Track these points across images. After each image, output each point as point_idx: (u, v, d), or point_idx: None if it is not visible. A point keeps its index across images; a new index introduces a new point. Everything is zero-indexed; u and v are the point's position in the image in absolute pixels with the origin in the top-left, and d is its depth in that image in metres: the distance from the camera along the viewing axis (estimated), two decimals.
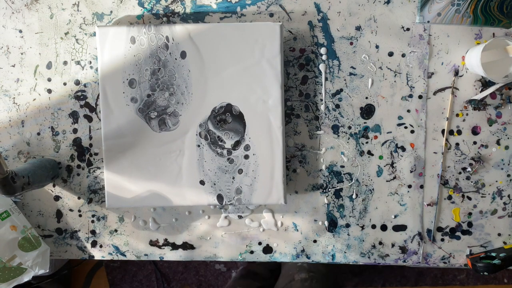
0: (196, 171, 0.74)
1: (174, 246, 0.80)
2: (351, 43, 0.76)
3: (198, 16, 0.77)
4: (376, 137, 0.77)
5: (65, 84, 0.78)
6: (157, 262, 1.56)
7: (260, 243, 0.80)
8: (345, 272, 1.56)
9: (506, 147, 0.77)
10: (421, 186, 0.77)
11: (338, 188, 0.78)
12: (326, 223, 0.79)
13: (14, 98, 0.79)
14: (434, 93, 0.76)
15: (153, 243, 0.80)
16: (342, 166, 0.78)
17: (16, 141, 0.79)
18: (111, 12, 0.77)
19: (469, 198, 0.78)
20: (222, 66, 0.72)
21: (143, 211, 0.80)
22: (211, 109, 0.73)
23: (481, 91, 0.75)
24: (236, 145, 0.74)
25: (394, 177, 0.78)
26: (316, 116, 0.77)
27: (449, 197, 0.78)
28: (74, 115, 0.79)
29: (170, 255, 0.80)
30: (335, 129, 0.77)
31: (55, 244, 0.81)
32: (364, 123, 0.77)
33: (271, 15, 0.76)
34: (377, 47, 0.76)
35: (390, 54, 0.76)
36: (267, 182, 0.74)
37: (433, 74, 0.76)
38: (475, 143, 0.77)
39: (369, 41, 0.76)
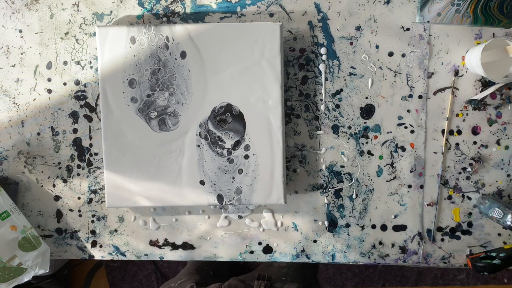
0: (196, 171, 0.74)
1: (174, 246, 0.80)
2: (351, 43, 0.76)
3: (198, 16, 0.77)
4: (376, 137, 0.77)
5: (65, 84, 0.78)
6: (157, 262, 1.56)
7: (260, 243, 0.80)
8: (345, 272, 1.56)
9: (506, 147, 0.77)
10: (421, 186, 0.77)
11: (338, 188, 0.78)
12: (326, 223, 0.79)
13: (14, 98, 0.79)
14: (434, 93, 0.76)
15: (153, 243, 0.80)
16: (342, 166, 0.78)
17: (16, 141, 0.79)
18: (111, 12, 0.77)
19: (469, 198, 0.78)
20: (222, 66, 0.72)
21: (143, 211, 0.80)
22: (211, 109, 0.73)
23: (481, 91, 0.75)
24: (236, 145, 0.74)
25: (394, 177, 0.78)
26: (316, 116, 0.77)
27: (449, 197, 0.78)
28: (74, 115, 0.79)
29: (170, 255, 0.80)
30: (335, 129, 0.77)
31: (55, 244, 0.81)
32: (364, 123, 0.77)
33: (271, 15, 0.76)
34: (377, 47, 0.76)
35: (390, 54, 0.76)
36: (267, 182, 0.74)
37: (433, 74, 0.76)
38: (475, 143, 0.77)
39: (369, 41, 0.76)
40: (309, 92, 0.77)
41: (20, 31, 0.78)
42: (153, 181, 0.74)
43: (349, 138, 0.77)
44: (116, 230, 0.80)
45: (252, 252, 0.80)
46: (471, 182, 0.78)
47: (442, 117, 0.77)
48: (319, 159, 0.78)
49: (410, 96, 0.76)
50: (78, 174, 0.80)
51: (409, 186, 0.78)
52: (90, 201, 0.80)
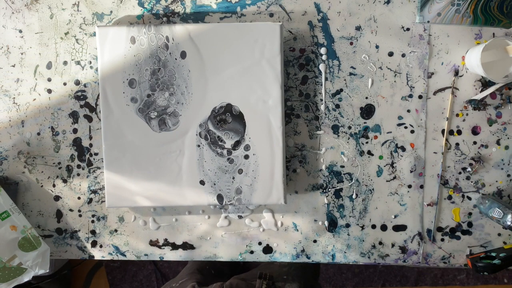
0: (196, 171, 0.74)
1: (174, 246, 0.80)
2: (351, 43, 0.76)
3: (198, 16, 0.77)
4: (376, 137, 0.77)
5: (65, 84, 0.78)
6: (157, 262, 1.56)
7: (260, 243, 0.80)
8: (345, 272, 1.56)
9: (506, 147, 0.77)
10: (421, 186, 0.77)
11: (338, 188, 0.78)
12: (326, 223, 0.79)
13: (14, 98, 0.79)
14: (434, 93, 0.76)
15: (153, 243, 0.80)
16: (342, 166, 0.78)
17: (16, 141, 0.79)
18: (111, 12, 0.77)
19: (469, 198, 0.78)
20: (222, 66, 0.72)
21: (143, 211, 0.80)
22: (211, 109, 0.73)
23: (481, 91, 0.75)
24: (236, 145, 0.74)
25: (394, 177, 0.78)
26: (316, 116, 0.77)
27: (449, 197, 0.78)
28: (74, 115, 0.79)
29: (170, 255, 0.80)
30: (335, 129, 0.77)
31: (55, 244, 0.81)
32: (364, 123, 0.77)
33: (271, 15, 0.76)
34: (377, 47, 0.76)
35: (390, 54, 0.76)
36: (267, 182, 0.74)
37: (433, 74, 0.76)
38: (475, 143, 0.77)
39: (369, 41, 0.76)
40: (309, 92, 0.77)
41: (20, 31, 0.78)
42: (153, 181, 0.74)
43: (349, 138, 0.77)
44: (116, 230, 0.80)
45: (252, 252, 0.80)
46: (471, 182, 0.78)
47: (442, 117, 0.77)
48: (319, 159, 0.78)
49: (410, 96, 0.76)
50: (78, 174, 0.80)
51: (409, 186, 0.78)
52: (90, 201, 0.80)
